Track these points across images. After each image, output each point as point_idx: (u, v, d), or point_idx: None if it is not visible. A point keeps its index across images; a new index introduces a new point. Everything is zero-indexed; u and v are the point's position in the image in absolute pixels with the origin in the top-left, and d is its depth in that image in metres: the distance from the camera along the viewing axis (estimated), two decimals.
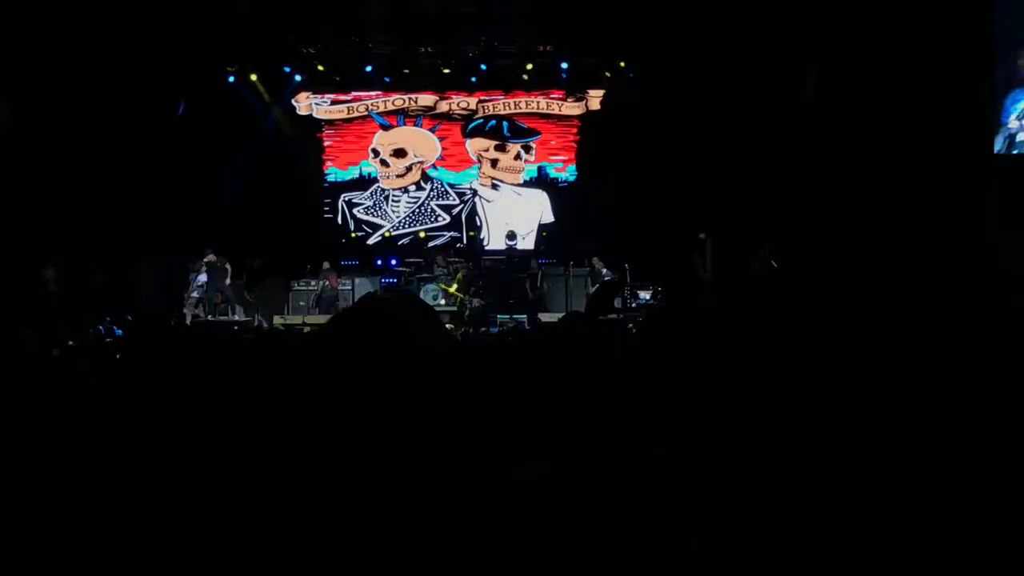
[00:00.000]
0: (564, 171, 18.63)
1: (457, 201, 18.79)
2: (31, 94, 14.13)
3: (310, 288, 16.96)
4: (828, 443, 2.30)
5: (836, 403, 2.59)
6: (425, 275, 16.91)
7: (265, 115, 18.18)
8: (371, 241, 18.83)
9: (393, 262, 17.97)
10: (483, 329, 13.45)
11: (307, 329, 10.46)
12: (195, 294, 16.37)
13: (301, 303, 16.81)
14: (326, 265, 16.99)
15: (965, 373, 3.43)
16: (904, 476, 2.23)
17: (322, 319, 15.41)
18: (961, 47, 11.26)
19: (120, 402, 2.64)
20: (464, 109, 18.65)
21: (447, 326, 13.97)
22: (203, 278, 16.34)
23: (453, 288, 16.19)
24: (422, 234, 18.74)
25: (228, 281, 16.40)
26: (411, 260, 17.74)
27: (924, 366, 3.56)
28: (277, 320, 15.90)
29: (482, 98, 18.59)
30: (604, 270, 16.28)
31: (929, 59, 11.29)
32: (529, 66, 18.00)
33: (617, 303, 16.00)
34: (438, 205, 18.81)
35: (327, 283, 16.80)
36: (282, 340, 5.52)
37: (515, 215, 18.56)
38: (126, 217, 15.04)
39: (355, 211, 18.84)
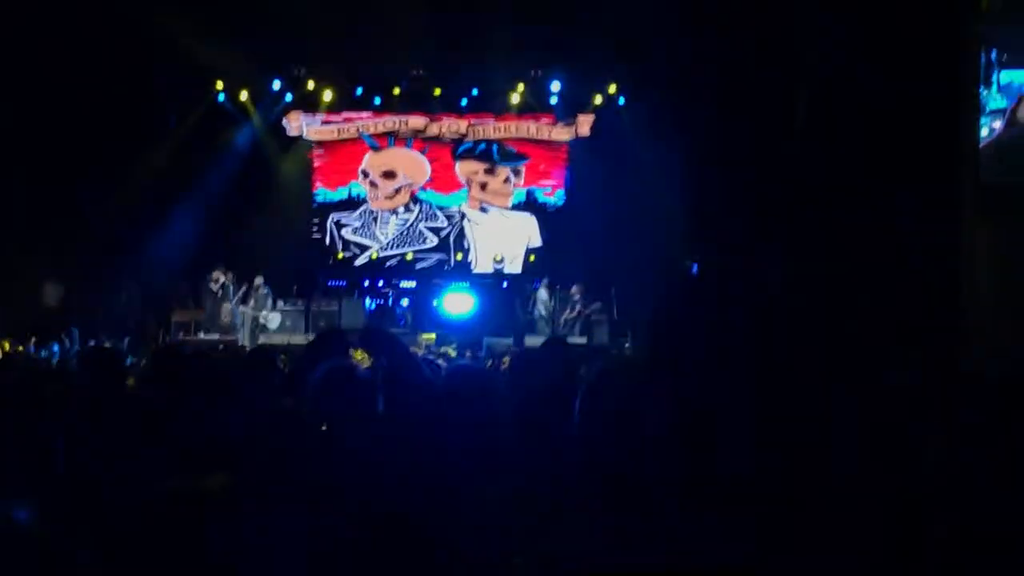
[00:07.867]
0: (553, 195, 18.60)
1: (445, 223, 18.74)
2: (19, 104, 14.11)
3: (297, 308, 16.87)
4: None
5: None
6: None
7: (253, 134, 18.13)
8: (358, 262, 18.75)
9: (380, 283, 17.89)
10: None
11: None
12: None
13: (288, 323, 16.71)
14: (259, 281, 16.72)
15: (943, 403, 3.38)
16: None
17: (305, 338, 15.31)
18: (949, 67, 11.28)
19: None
20: (454, 132, 18.62)
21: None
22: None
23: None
24: (409, 255, 18.67)
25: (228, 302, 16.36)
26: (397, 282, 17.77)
27: (901, 393, 3.51)
28: (262, 339, 15.83)
29: (472, 121, 18.57)
30: (578, 296, 16.30)
31: (917, 80, 11.29)
32: (520, 89, 18.01)
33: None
34: (426, 227, 18.76)
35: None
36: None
37: (502, 238, 18.54)
38: (107, 233, 15.02)
39: (343, 231, 18.78)
